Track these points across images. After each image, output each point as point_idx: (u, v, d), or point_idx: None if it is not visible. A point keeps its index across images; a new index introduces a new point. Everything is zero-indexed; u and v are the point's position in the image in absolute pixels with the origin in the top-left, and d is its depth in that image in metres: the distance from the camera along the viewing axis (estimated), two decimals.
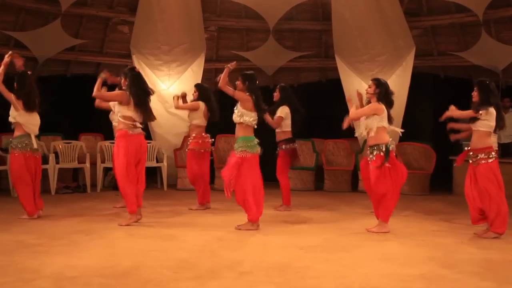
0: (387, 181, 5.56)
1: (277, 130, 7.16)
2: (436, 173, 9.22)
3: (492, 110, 5.43)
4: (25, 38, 9.41)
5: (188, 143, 7.23)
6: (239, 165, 5.65)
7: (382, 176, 5.54)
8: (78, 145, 9.04)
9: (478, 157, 5.48)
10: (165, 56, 9.81)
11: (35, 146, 6.22)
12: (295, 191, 7.86)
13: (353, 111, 5.77)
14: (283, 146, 7.11)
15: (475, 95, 5.57)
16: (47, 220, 6.15)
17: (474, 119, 5.48)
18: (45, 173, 8.44)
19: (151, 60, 9.80)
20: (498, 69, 9.55)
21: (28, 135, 6.17)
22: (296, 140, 7.30)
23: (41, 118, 6.42)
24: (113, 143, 8.77)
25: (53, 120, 9.44)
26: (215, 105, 7.15)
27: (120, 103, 5.85)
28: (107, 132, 8.51)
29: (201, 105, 7.05)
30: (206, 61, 10.17)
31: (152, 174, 9.31)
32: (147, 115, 5.93)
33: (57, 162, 8.59)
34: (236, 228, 5.74)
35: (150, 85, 9.32)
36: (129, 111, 5.82)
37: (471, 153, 5.58)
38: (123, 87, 5.91)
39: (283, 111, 7.06)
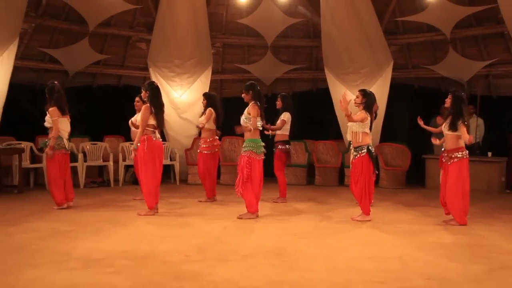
0: (364, 178, 5.57)
1: (277, 132, 7.15)
2: (411, 170, 9.22)
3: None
4: (58, 54, 9.42)
5: (200, 144, 7.20)
6: (250, 164, 5.64)
7: (361, 173, 5.57)
8: (103, 146, 9.04)
9: (452, 156, 5.48)
10: (177, 68, 9.79)
11: (67, 146, 6.30)
12: (289, 185, 7.86)
13: (349, 114, 5.42)
14: (279, 146, 7.10)
15: (448, 101, 5.55)
16: (76, 210, 6.16)
17: (453, 128, 5.41)
18: (74, 170, 8.47)
19: (165, 72, 9.79)
20: (463, 81, 9.59)
21: (61, 137, 6.22)
22: (291, 143, 7.30)
23: (71, 123, 6.46)
24: (132, 144, 8.81)
25: (81, 124, 9.45)
26: (221, 110, 7.15)
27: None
28: (127, 134, 8.49)
29: (213, 112, 7.02)
30: (213, 73, 10.16)
31: (166, 171, 9.30)
32: (162, 122, 5.99)
33: (85, 160, 8.60)
34: (238, 217, 5.75)
35: (164, 93, 9.42)
36: (151, 120, 5.85)
37: (445, 153, 5.57)
38: (145, 99, 5.95)
39: (285, 116, 7.05)
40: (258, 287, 3.23)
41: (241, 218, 5.72)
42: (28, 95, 10.13)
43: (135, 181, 9.11)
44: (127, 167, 9.20)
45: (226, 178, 9.29)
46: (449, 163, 5.51)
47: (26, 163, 8.23)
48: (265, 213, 6.10)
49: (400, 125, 10.06)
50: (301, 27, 10.49)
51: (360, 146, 5.59)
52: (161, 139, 6.07)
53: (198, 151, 7.21)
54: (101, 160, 8.91)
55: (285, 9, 9.59)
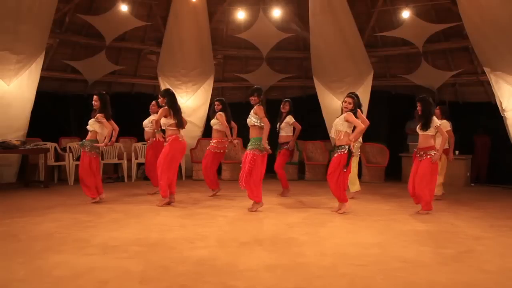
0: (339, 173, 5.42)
1: (281, 134, 6.94)
2: (389, 166, 9.26)
3: (435, 118, 5.48)
4: (79, 65, 9.44)
5: (210, 143, 6.87)
6: (254, 160, 5.45)
7: (337, 168, 5.42)
8: (117, 146, 8.99)
9: (424, 154, 5.49)
10: (183, 77, 9.80)
11: (100, 149, 6.20)
12: None
13: (355, 134, 5.34)
14: (285, 146, 6.90)
15: (419, 109, 5.53)
16: (95, 202, 6.13)
17: (425, 127, 5.45)
18: None
19: (173, 80, 9.79)
20: (434, 88, 9.66)
21: (96, 140, 6.08)
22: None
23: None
24: (144, 144, 8.82)
25: None
26: (230, 113, 6.91)
27: (165, 116, 5.85)
28: (139, 135, 8.49)
29: (224, 115, 6.76)
30: (215, 81, 10.18)
31: None
32: (181, 122, 5.92)
33: (102, 159, 8.57)
34: (249, 210, 5.59)
35: None
36: (171, 120, 5.84)
37: (418, 151, 5.56)
38: (162, 104, 5.90)
39: (291, 119, 6.91)
40: (254, 270, 3.23)
41: (253, 211, 5.58)
42: (52, 101, 10.13)
43: (146, 177, 9.11)
44: (139, 165, 9.20)
45: (227, 175, 9.30)
46: (421, 159, 5.52)
47: (51, 161, 8.23)
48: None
49: (379, 127, 10.08)
50: (292, 40, 10.51)
51: (342, 145, 5.39)
52: (185, 140, 5.96)
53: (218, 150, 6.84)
54: (116, 158, 8.89)
55: (278, 25, 9.62)
